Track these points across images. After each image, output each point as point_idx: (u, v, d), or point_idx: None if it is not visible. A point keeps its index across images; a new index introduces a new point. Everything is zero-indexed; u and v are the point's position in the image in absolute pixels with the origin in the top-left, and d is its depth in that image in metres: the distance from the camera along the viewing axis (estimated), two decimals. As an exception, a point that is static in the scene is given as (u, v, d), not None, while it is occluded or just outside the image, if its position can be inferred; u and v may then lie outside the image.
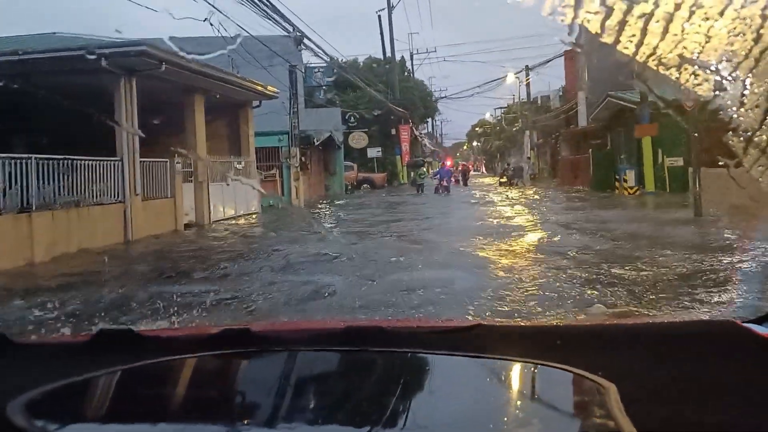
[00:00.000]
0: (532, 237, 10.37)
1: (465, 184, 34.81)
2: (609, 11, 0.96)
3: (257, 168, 21.56)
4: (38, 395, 0.90)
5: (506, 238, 10.09)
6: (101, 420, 0.93)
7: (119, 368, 1.03)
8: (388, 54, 41.43)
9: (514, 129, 43.53)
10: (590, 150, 25.16)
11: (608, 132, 24.63)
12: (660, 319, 1.50)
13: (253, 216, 17.05)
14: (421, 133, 54.92)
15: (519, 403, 0.96)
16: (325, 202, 22.47)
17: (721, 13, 0.95)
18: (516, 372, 1.03)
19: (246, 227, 14.56)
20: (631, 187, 19.09)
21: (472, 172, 58.91)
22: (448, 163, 39.71)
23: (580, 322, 1.48)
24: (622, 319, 1.42)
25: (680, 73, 1.03)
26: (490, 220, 13.39)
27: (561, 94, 36.46)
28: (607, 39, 0.98)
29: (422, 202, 20.61)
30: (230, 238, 12.60)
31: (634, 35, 0.98)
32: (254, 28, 19.64)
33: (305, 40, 22.71)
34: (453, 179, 29.73)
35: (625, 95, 20.97)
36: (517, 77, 37.49)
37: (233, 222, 15.51)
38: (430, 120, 67.08)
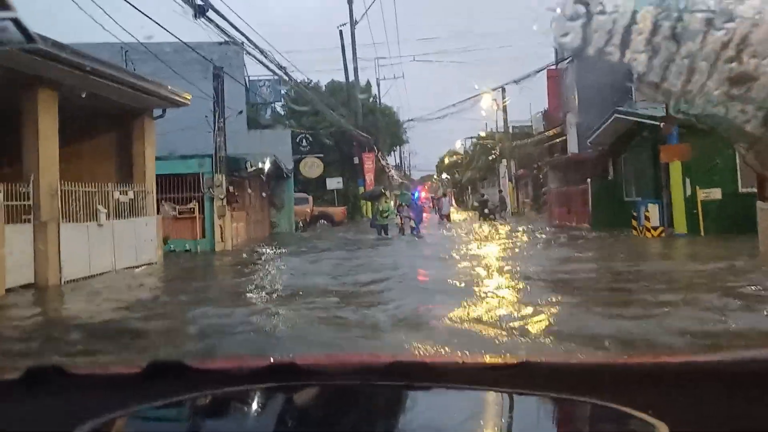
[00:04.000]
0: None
1: (449, 220, 29.25)
2: (656, 50, 1.05)
3: (168, 201, 16.60)
4: (99, 425, 0.96)
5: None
6: None
7: (170, 400, 1.06)
8: (352, 74, 37.04)
9: (490, 158, 39.34)
10: (588, 180, 20.80)
11: (611, 158, 20.34)
12: (711, 357, 1.22)
13: (142, 269, 12.02)
14: (388, 164, 50.55)
15: None
16: (261, 246, 17.50)
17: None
18: (564, 409, 1.04)
19: (112, 292, 9.52)
20: (655, 228, 14.64)
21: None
22: (422, 194, 35.15)
23: (629, 360, 1.23)
24: (672, 357, 1.19)
25: (727, 110, 1.06)
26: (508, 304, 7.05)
27: (542, 118, 32.41)
28: (654, 77, 1.07)
29: (383, 254, 15.66)
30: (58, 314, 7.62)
31: (681, 73, 1.06)
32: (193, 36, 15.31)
33: (249, 48, 18.19)
34: (426, 215, 24.51)
35: (637, 111, 16.76)
36: (494, 99, 33.36)
37: (102, 282, 10.46)
38: (398, 150, 63.15)
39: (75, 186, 10.71)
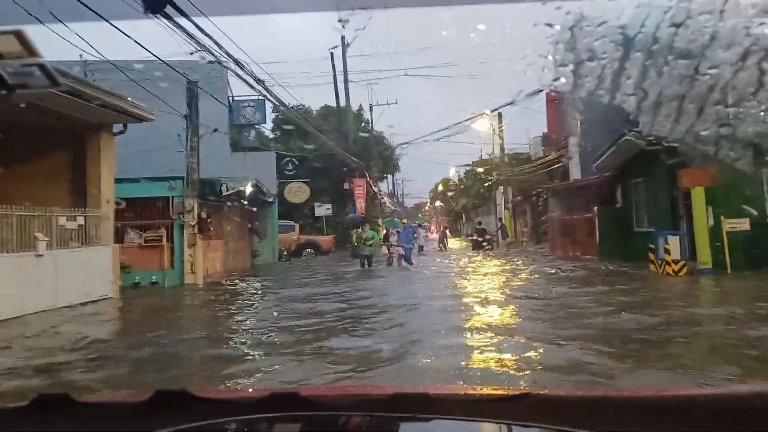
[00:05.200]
0: None
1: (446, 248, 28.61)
2: (644, 94, 1.32)
3: (134, 227, 14.97)
4: None
5: None
6: None
7: (175, 429, 1.04)
8: (342, 97, 35.67)
9: (485, 185, 37.86)
10: (595, 208, 19.31)
11: (620, 184, 18.87)
12: (713, 392, 1.27)
13: (91, 307, 10.32)
14: (380, 190, 49.01)
15: None
16: (235, 279, 15.81)
17: (755, 93, 1.24)
18: None
19: (26, 339, 7.79)
20: (675, 262, 13.08)
21: (431, 234, 52.70)
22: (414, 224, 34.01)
23: (632, 393, 1.25)
24: (675, 391, 1.19)
25: (717, 149, 1.32)
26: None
27: (541, 142, 31.03)
28: (645, 118, 1.98)
29: (368, 286, 13.98)
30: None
31: (669, 114, 1.49)
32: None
33: (232, 67, 16.79)
34: (419, 246, 22.51)
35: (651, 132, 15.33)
36: (490, 123, 32.02)
37: (25, 324, 8.73)
38: (390, 177, 61.61)
39: (7, 210, 9.08)
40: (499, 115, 33.48)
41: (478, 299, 10.05)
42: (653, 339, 6.43)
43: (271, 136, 36.32)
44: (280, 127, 35.10)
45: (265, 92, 19.48)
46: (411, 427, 1.07)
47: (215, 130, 15.45)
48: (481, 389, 1.72)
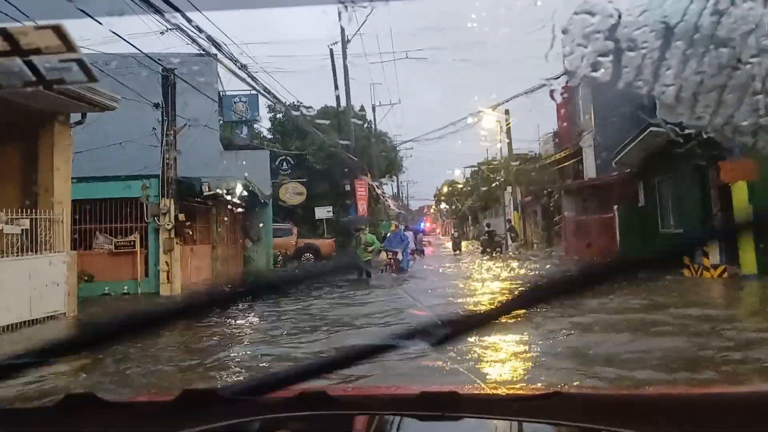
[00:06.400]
0: None
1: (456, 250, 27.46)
2: (683, 84, 1.15)
3: (103, 231, 13.48)
4: None
5: None
6: None
7: (203, 428, 1.04)
8: (343, 96, 34.06)
9: (493, 185, 36.22)
10: (615, 208, 17.68)
11: (642, 181, 17.25)
12: (742, 389, 1.25)
13: (32, 329, 8.76)
14: (383, 192, 47.43)
15: None
16: (224, 286, 14.24)
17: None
18: None
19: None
20: (715, 267, 11.46)
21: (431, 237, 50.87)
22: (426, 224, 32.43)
23: (662, 391, 1.32)
24: (709, 388, 1.28)
25: (756, 140, 1.20)
26: None
27: (553, 138, 29.40)
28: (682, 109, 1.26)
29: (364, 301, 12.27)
30: None
31: (708, 105, 1.19)
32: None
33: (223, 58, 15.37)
34: (412, 252, 20.31)
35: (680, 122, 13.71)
36: (497, 120, 30.38)
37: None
38: (395, 179, 59.92)
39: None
40: (506, 111, 31.86)
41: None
42: None
43: (269, 136, 34.91)
44: (278, 126, 33.65)
45: (254, 84, 17.94)
46: (440, 426, 1.07)
47: (189, 124, 13.87)
48: (509, 389, 1.74)
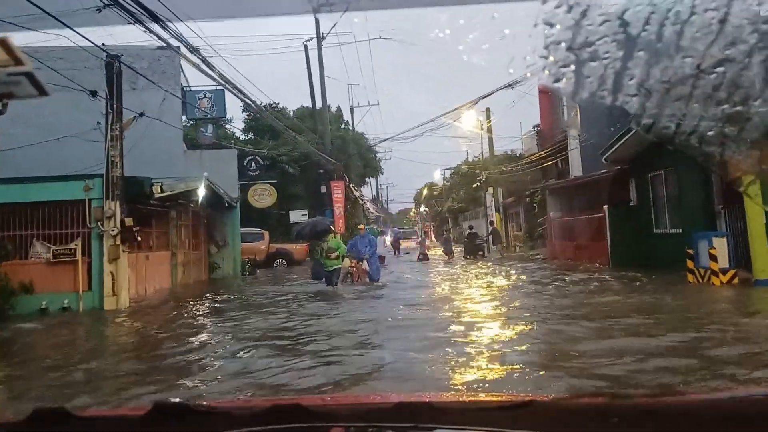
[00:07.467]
0: None
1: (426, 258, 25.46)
2: (649, 94, 1.07)
3: (41, 238, 11.97)
4: None
5: None
6: None
7: None
8: (318, 96, 32.66)
9: (473, 186, 35.08)
10: (605, 207, 16.55)
11: (634, 178, 16.16)
12: (720, 395, 1.23)
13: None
14: (362, 195, 46.06)
15: None
16: (172, 301, 12.78)
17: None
18: None
19: None
20: (724, 271, 10.31)
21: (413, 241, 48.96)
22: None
23: (639, 399, 1.16)
24: (681, 397, 1.20)
25: (722, 150, 1.09)
26: None
27: (536, 137, 28.32)
28: (648, 119, 1.11)
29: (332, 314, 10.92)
30: None
31: (674, 115, 1.09)
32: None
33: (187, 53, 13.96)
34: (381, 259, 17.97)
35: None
36: (478, 119, 29.20)
37: None
38: (373, 182, 58.59)
39: None
40: (487, 110, 30.74)
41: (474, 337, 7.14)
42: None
43: (242, 137, 33.40)
44: (251, 123, 32.21)
45: (220, 80, 16.48)
46: None
47: (141, 115, 12.40)
48: (484, 397, 1.80)
